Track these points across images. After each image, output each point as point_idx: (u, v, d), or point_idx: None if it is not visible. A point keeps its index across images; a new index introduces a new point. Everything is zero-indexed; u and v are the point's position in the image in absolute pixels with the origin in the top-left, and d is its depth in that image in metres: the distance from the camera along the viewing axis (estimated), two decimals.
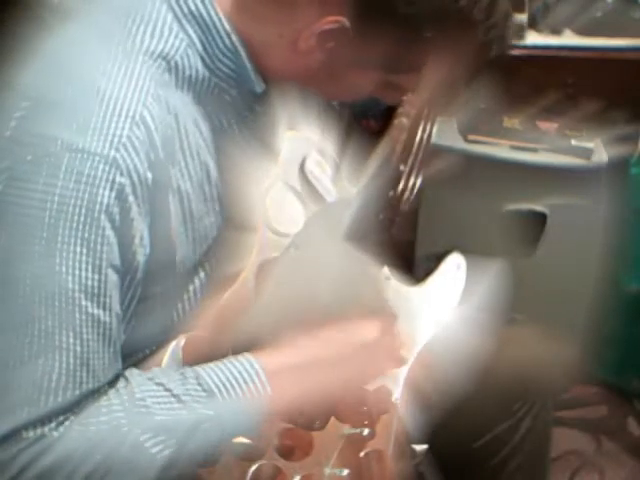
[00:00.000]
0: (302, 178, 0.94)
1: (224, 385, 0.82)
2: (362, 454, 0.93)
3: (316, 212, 0.95)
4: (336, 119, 1.05)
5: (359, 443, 0.93)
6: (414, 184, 1.07)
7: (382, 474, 0.93)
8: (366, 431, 0.93)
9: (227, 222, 0.90)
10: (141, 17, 0.82)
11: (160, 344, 0.88)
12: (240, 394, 0.83)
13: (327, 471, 0.91)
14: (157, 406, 0.80)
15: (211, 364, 0.84)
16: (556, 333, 1.22)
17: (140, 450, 0.78)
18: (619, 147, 1.70)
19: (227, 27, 0.84)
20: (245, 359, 0.85)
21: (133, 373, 0.83)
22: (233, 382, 0.83)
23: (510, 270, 1.08)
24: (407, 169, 1.07)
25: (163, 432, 0.79)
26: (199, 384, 0.82)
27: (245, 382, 0.83)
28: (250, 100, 0.91)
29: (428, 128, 1.09)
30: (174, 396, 0.81)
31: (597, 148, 1.69)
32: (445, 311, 1.02)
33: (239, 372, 0.83)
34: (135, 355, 0.89)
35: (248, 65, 0.87)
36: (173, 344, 0.88)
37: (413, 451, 1.03)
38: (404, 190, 1.06)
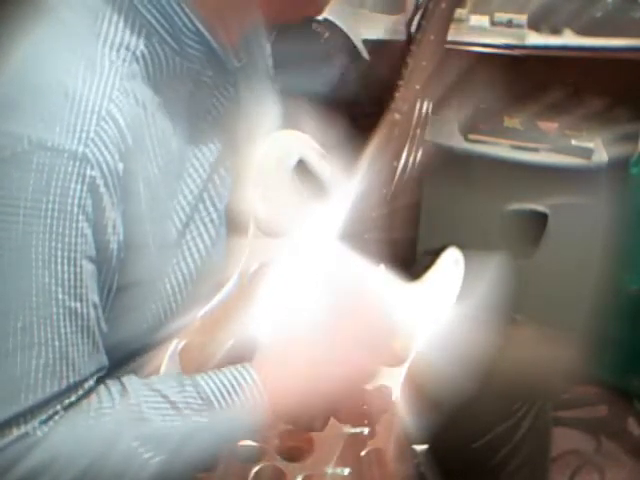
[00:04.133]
0: (299, 176, 0.94)
1: (222, 394, 0.82)
2: (363, 453, 0.93)
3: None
4: (331, 116, 1.05)
5: (360, 442, 0.93)
6: (408, 180, 1.06)
7: (383, 473, 0.93)
8: (366, 430, 0.93)
9: (210, 215, 0.91)
10: (104, 12, 0.82)
11: (153, 345, 0.88)
12: (238, 404, 0.82)
13: (328, 471, 0.91)
14: (152, 412, 0.80)
15: (210, 372, 0.84)
16: (556, 333, 1.21)
17: (132, 456, 0.78)
18: (619, 147, 1.70)
19: (186, 9, 0.84)
20: (244, 369, 0.84)
21: (131, 380, 0.83)
22: (231, 391, 0.82)
23: (511, 270, 1.08)
24: (401, 165, 1.07)
25: (157, 439, 0.79)
26: (197, 393, 0.82)
27: (243, 392, 0.83)
28: (229, 78, 0.92)
29: (421, 124, 1.09)
30: (171, 404, 0.81)
31: (597, 148, 1.69)
32: (444, 308, 1.01)
33: (237, 382, 0.83)
34: (131, 360, 0.88)
35: (215, 45, 0.87)
36: (170, 349, 0.88)
37: (413, 451, 1.03)
38: (398, 186, 1.06)
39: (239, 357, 0.87)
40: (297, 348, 0.87)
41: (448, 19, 1.16)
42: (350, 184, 0.98)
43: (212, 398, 0.82)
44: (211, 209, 0.90)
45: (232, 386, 0.83)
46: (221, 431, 0.83)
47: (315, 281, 0.92)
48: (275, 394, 0.83)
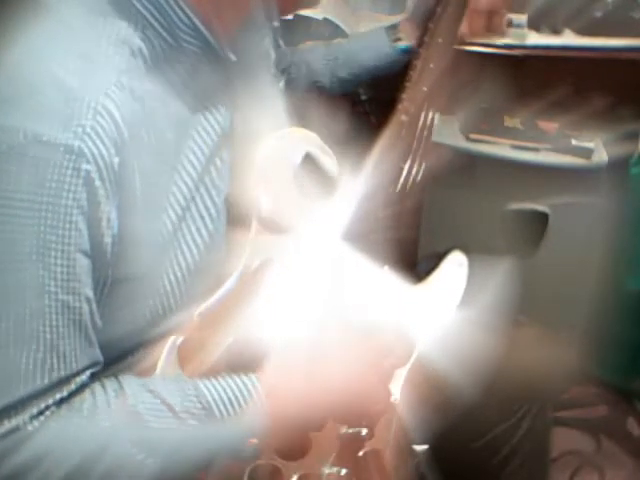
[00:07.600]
0: (304, 174, 0.94)
1: (224, 403, 0.82)
2: (360, 453, 0.93)
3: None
4: (336, 116, 1.05)
5: (357, 442, 0.93)
6: (414, 181, 1.07)
7: (380, 473, 0.93)
8: (364, 431, 0.93)
9: (210, 211, 0.91)
10: (100, 8, 0.83)
11: (151, 341, 0.88)
12: (239, 412, 0.83)
13: (325, 470, 0.91)
14: (150, 416, 0.80)
15: (212, 379, 0.84)
16: (557, 333, 1.21)
17: (126, 458, 0.78)
18: (619, 147, 1.70)
19: (181, 4, 0.84)
20: (248, 379, 0.85)
21: (129, 380, 0.83)
22: (233, 400, 0.83)
23: (511, 270, 1.08)
24: (407, 166, 1.07)
25: (153, 442, 0.80)
26: (198, 399, 0.82)
27: (245, 401, 0.83)
28: (225, 73, 0.92)
29: (428, 124, 1.09)
30: (171, 410, 0.81)
31: (597, 148, 1.69)
32: (447, 311, 1.01)
33: (240, 390, 0.83)
34: (129, 355, 0.88)
35: (211, 39, 0.87)
36: (168, 345, 0.87)
37: (413, 451, 1.03)
38: (404, 187, 1.06)
39: (238, 355, 0.87)
40: (297, 360, 0.87)
41: (456, 23, 1.17)
42: (356, 183, 0.98)
43: (213, 406, 0.82)
44: (208, 202, 0.90)
45: (235, 396, 0.83)
46: (220, 439, 0.83)
47: (318, 280, 0.93)
48: (276, 407, 0.84)
